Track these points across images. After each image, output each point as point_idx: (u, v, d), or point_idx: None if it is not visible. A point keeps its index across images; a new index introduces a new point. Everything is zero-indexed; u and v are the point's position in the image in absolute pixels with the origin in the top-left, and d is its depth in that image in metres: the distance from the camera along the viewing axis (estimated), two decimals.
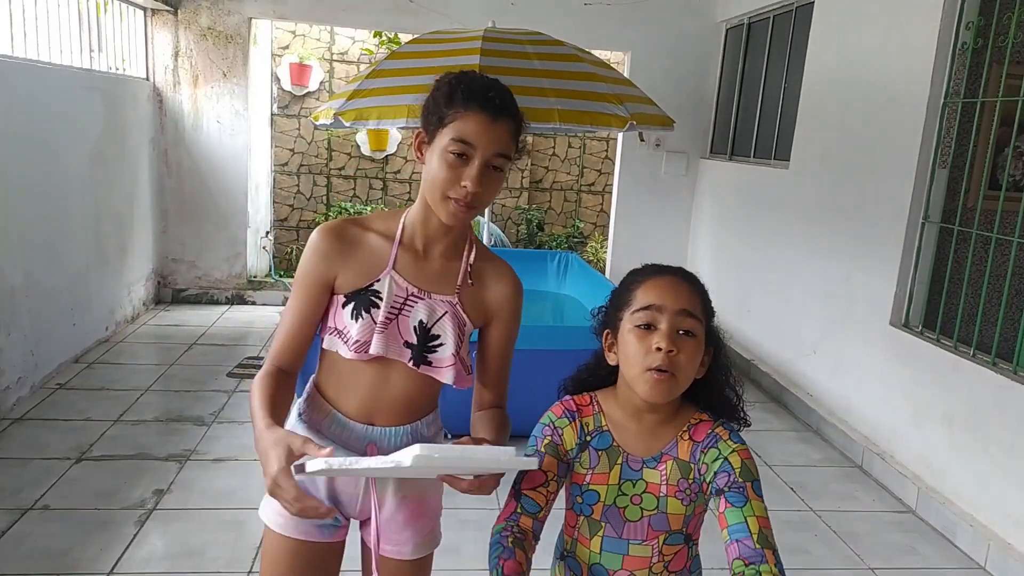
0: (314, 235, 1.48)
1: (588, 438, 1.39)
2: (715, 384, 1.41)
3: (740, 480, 1.31)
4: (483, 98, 1.39)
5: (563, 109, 3.07)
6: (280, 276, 7.11)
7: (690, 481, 1.36)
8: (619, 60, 7.29)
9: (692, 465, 1.36)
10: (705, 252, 6.69)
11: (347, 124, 3.16)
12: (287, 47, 7.84)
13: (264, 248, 7.19)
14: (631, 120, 3.23)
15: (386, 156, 8.21)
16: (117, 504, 3.20)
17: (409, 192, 8.35)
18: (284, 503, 1.23)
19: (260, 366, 1.52)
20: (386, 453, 1.37)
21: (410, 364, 1.48)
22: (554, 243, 8.35)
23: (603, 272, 7.14)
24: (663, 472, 1.36)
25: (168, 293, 6.47)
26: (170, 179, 6.35)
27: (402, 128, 7.97)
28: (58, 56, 4.76)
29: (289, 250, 7.96)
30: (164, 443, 3.80)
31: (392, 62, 3.36)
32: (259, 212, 7.12)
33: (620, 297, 1.39)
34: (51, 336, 4.50)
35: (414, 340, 1.48)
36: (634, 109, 3.33)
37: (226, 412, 4.22)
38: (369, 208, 8.12)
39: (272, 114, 7.68)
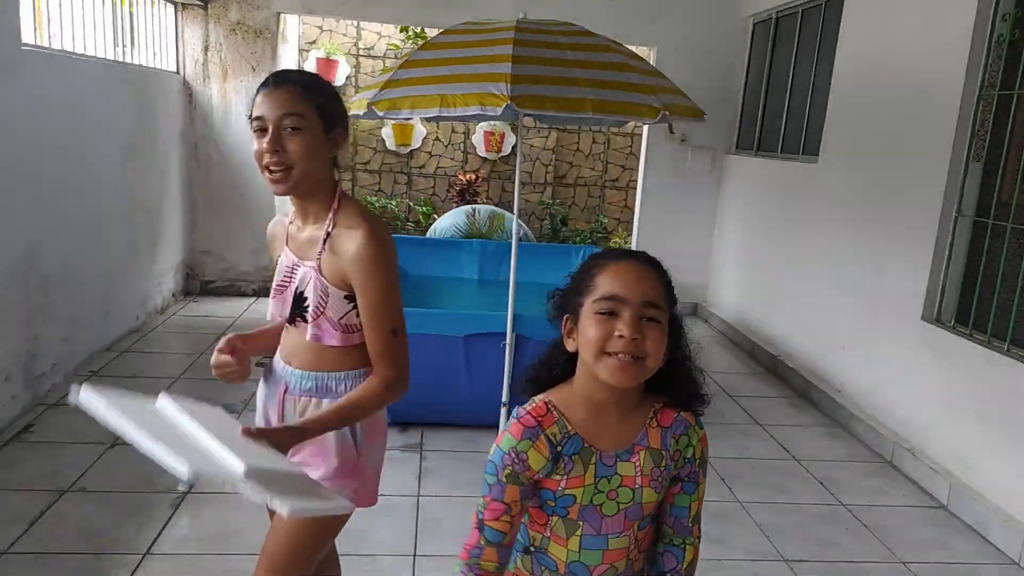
0: None
1: (559, 448, 1.30)
2: (677, 370, 1.35)
3: (697, 468, 1.38)
4: (265, 79, 1.65)
5: (595, 99, 3.07)
6: None
7: (662, 469, 1.35)
8: (645, 55, 7.27)
9: (664, 452, 1.35)
10: (732, 248, 6.65)
11: (380, 114, 3.18)
12: (314, 42, 7.90)
13: None
14: (664, 110, 3.22)
15: (411, 151, 8.25)
16: (152, 487, 3.25)
17: (434, 187, 8.38)
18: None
19: None
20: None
21: (290, 324, 1.77)
22: (578, 238, 8.35)
23: None
24: (637, 463, 1.34)
25: (196, 284, 6.55)
26: (199, 172, 6.42)
27: (429, 120, 8.00)
28: (91, 49, 4.83)
29: None
30: None
31: (425, 52, 3.38)
32: (285, 205, 7.17)
33: (581, 282, 1.32)
34: (85, 324, 4.57)
35: (291, 303, 1.74)
36: (667, 100, 3.32)
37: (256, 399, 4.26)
38: (394, 203, 8.17)
39: None
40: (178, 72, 6.25)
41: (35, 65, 3.92)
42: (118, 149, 5.04)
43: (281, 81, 1.62)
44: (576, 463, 1.30)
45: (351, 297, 1.66)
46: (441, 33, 3.67)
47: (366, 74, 8.05)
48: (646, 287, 1.26)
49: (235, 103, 6.37)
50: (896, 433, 4.12)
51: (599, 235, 8.55)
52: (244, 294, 6.60)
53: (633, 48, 7.23)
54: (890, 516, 3.49)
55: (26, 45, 3.87)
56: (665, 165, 6.82)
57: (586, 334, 1.27)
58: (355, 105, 3.41)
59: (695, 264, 6.96)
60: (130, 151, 5.19)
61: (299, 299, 1.71)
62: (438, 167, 8.36)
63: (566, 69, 3.13)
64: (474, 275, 6.05)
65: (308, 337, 1.69)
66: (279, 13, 6.37)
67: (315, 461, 1.75)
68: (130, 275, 5.28)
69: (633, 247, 7.14)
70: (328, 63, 7.76)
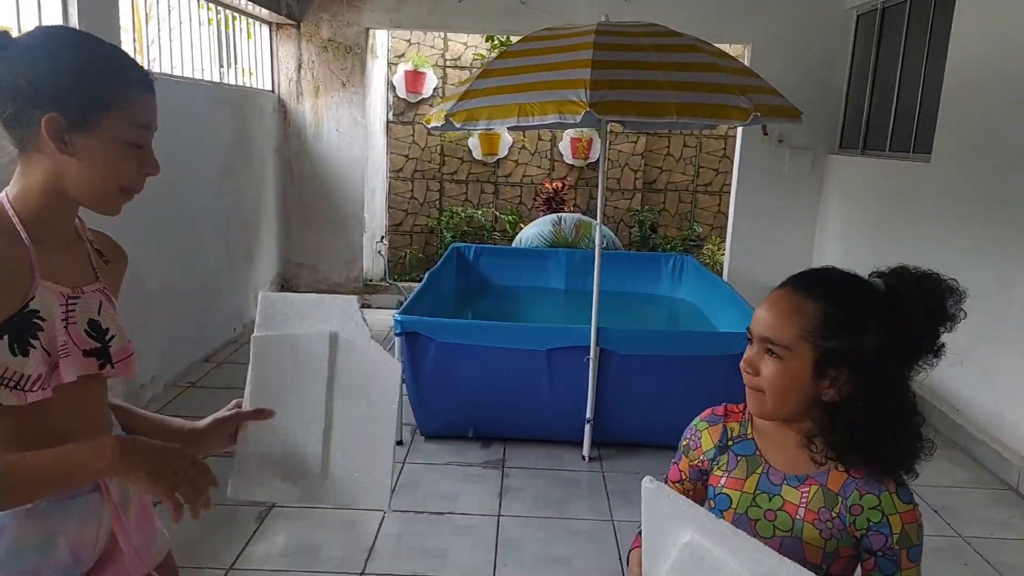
0: None
1: (729, 442, 1.34)
2: (880, 427, 1.18)
3: (896, 547, 1.21)
4: (146, 76, 1.27)
5: (680, 103, 2.92)
6: (394, 280, 7.25)
7: (833, 514, 1.22)
8: (739, 53, 6.99)
9: (840, 499, 1.22)
10: (833, 255, 6.27)
11: (458, 125, 3.14)
12: (402, 55, 8.02)
13: (379, 252, 7.36)
14: (755, 112, 3.03)
15: (497, 160, 8.24)
16: (240, 501, 3.30)
17: (520, 196, 8.33)
18: (196, 482, 1.22)
19: None
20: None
21: (103, 372, 1.27)
22: (668, 246, 8.11)
23: (721, 276, 6.85)
24: (804, 494, 1.25)
25: None
26: (293, 186, 6.61)
27: (512, 129, 7.97)
28: (190, 71, 5.03)
29: (403, 254, 8.12)
30: None
31: (503, 61, 3.32)
32: (375, 217, 7.30)
33: None
34: (183, 337, 4.75)
35: (95, 344, 1.26)
36: (758, 100, 3.12)
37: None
38: (479, 212, 8.17)
39: (388, 121, 7.86)
40: (273, 90, 6.46)
41: None
42: (215, 167, 5.22)
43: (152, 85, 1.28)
44: (740, 464, 1.31)
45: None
46: (520, 40, 3.60)
47: (452, 85, 8.09)
48: (771, 320, 1.25)
49: (326, 118, 6.53)
50: (1022, 457, 3.74)
51: (691, 243, 8.28)
52: None
53: (726, 47, 7.01)
54: (1017, 551, 3.15)
55: None
56: (761, 168, 6.52)
57: None
58: (434, 117, 3.38)
59: (794, 273, 6.60)
60: (227, 169, 5.38)
61: (103, 334, 1.28)
62: (524, 175, 8.30)
63: (649, 72, 3.00)
64: (560, 285, 5.96)
65: (133, 371, 1.35)
66: (368, 29, 6.48)
67: (146, 528, 1.40)
68: (227, 288, 5.47)
69: (727, 254, 6.86)
70: (416, 75, 7.85)
